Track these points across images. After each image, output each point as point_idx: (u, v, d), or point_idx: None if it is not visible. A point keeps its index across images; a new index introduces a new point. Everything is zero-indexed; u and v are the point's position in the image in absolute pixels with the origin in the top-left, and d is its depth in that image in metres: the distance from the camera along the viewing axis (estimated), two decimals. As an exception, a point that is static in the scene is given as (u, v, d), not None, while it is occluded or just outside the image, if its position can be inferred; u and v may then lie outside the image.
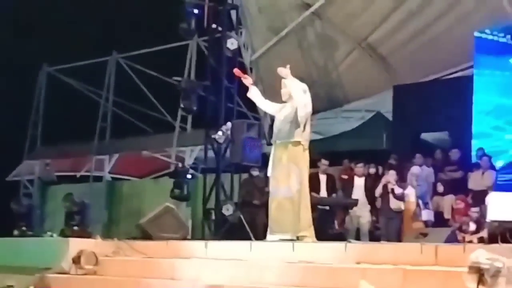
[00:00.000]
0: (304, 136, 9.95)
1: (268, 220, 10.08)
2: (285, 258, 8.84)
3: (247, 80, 10.46)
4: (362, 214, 13.82)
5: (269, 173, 10.15)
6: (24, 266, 10.56)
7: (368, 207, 13.90)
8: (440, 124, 15.90)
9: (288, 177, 9.83)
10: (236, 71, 10.81)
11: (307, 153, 10.00)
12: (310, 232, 9.90)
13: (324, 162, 14.07)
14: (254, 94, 10.49)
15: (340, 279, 7.97)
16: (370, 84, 17.96)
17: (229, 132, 14.00)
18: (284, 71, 10.03)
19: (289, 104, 10.07)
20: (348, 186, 14.26)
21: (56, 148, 21.84)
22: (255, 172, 14.74)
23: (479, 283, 6.73)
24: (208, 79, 15.27)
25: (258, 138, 14.06)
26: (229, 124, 14.13)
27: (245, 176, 15.15)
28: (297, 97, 9.92)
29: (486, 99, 15.48)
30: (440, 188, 14.06)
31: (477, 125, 15.34)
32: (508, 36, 15.43)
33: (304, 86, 10.09)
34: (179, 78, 15.60)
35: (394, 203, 13.58)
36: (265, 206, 12.79)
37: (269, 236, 9.94)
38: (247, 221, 13.43)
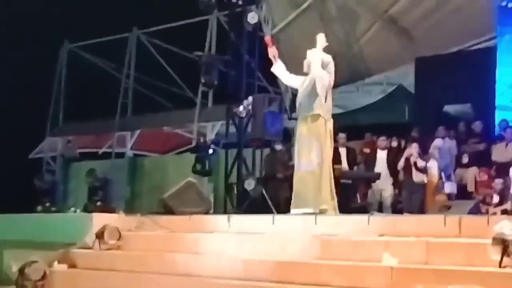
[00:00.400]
0: (324, 108, 9.91)
1: (292, 194, 10.08)
2: (308, 231, 8.84)
3: (272, 51, 10.37)
4: (384, 187, 13.76)
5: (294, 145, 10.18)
6: (48, 242, 10.64)
7: (391, 180, 13.83)
8: (462, 96, 15.76)
9: (310, 150, 9.82)
10: (267, 39, 10.67)
11: (329, 125, 9.95)
12: (332, 205, 9.88)
13: (341, 135, 13.98)
14: (278, 68, 10.45)
15: (363, 252, 7.98)
16: (391, 57, 17.80)
17: (250, 107, 13.94)
18: (318, 38, 10.00)
19: (309, 76, 10.04)
20: (371, 159, 14.21)
21: (78, 125, 21.94)
22: (278, 146, 14.73)
23: (504, 254, 6.72)
24: (229, 53, 15.21)
25: (279, 112, 13.98)
26: (250, 98, 14.07)
27: (266, 151, 15.14)
28: (314, 69, 9.94)
29: (509, 71, 15.33)
30: (465, 159, 13.93)
31: (500, 98, 15.21)
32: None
33: (326, 57, 10.04)
34: (200, 53, 15.53)
35: (416, 176, 13.50)
36: (288, 180, 12.80)
37: (292, 210, 9.95)
38: (271, 196, 13.43)
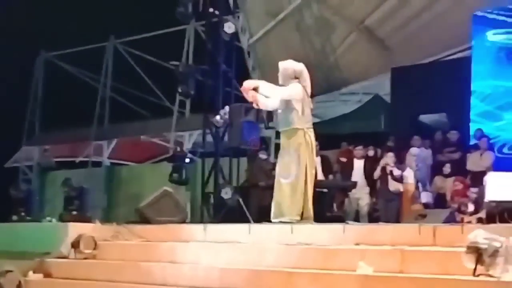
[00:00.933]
0: (302, 120, 9.94)
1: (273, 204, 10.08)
2: (284, 241, 8.86)
3: (251, 96, 10.26)
4: (361, 196, 13.83)
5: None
6: (23, 251, 10.58)
7: (367, 189, 13.91)
8: (438, 106, 15.86)
9: (289, 163, 9.87)
10: (243, 88, 10.49)
11: (308, 136, 9.96)
12: (308, 215, 9.89)
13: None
14: (263, 103, 10.30)
15: (338, 261, 7.99)
16: (368, 67, 17.93)
17: (227, 116, 13.97)
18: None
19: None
20: (347, 168, 14.28)
21: (54, 134, 21.87)
22: (263, 156, 14.79)
23: (478, 263, 6.75)
24: (206, 63, 15.22)
25: (256, 121, 14.01)
26: (227, 108, 14.09)
27: (243, 160, 15.17)
28: (274, 105, 10.02)
29: (483, 83, 15.49)
30: (447, 169, 14.01)
31: (474, 108, 15.36)
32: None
33: (298, 66, 10.03)
34: (176, 63, 15.55)
35: (392, 185, 13.58)
36: (270, 188, 12.85)
37: (272, 220, 9.95)
38: (253, 204, 13.48)
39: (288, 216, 9.68)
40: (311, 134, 9.97)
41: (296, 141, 9.88)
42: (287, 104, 9.87)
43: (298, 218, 9.71)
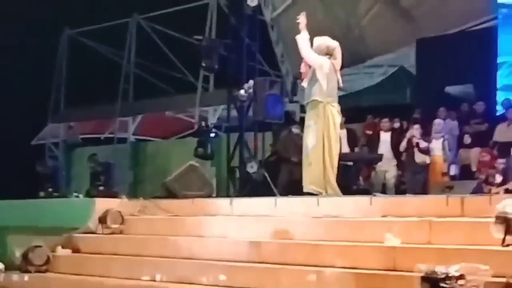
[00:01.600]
0: (323, 93, 9.96)
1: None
2: (310, 213, 8.85)
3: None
4: (388, 169, 13.78)
5: None
6: (51, 227, 10.66)
7: (394, 161, 13.83)
8: (464, 77, 15.71)
9: (307, 135, 10.04)
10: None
11: (330, 110, 9.99)
12: (324, 186, 9.89)
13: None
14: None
15: (365, 233, 7.98)
16: (392, 39, 17.73)
17: (251, 90, 13.91)
18: (300, 21, 10.08)
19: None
20: (374, 141, 14.22)
21: (79, 111, 21.92)
22: (296, 130, 14.74)
23: (506, 233, 6.71)
24: (229, 37, 15.15)
25: (280, 95, 13.97)
26: (251, 82, 14.03)
27: (268, 134, 15.14)
28: (301, 52, 10.08)
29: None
30: (468, 140, 13.93)
31: (502, 78, 15.19)
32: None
33: (332, 43, 10.17)
34: (200, 37, 15.47)
35: (419, 157, 13.51)
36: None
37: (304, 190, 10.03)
38: (283, 178, 13.49)
39: (312, 186, 9.72)
40: (332, 108, 10.02)
41: (315, 114, 9.98)
42: (312, 76, 9.93)
43: (314, 187, 9.72)
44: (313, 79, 10.06)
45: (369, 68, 18.48)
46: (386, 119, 14.29)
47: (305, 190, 9.88)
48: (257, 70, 15.00)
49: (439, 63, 15.92)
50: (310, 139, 9.97)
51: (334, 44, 10.20)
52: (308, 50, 10.08)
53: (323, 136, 9.91)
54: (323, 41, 10.21)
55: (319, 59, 10.07)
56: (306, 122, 10.16)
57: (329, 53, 10.14)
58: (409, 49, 17.15)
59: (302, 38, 10.18)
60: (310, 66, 10.22)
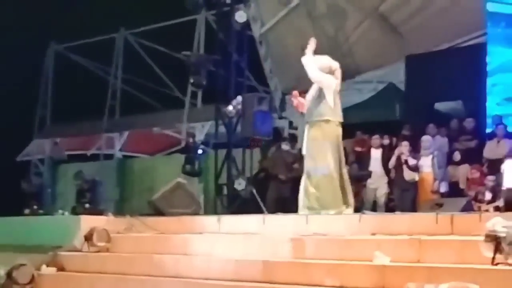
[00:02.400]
0: (335, 112, 10.03)
1: (306, 197, 9.91)
2: (299, 231, 8.77)
3: (300, 103, 10.32)
4: (379, 186, 13.72)
5: (304, 152, 10.17)
6: (36, 245, 10.55)
7: (386, 179, 13.77)
8: (454, 93, 15.69)
9: (325, 155, 9.85)
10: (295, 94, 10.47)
11: (339, 129, 10.07)
12: (352, 206, 9.92)
13: None
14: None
15: (355, 251, 7.90)
16: (381, 55, 17.73)
17: (239, 106, 13.89)
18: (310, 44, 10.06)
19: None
20: (364, 158, 14.17)
21: (65, 127, 21.80)
22: (285, 147, 14.67)
23: (496, 251, 6.65)
24: (218, 53, 15.11)
25: (269, 111, 13.93)
26: (239, 98, 14.01)
27: (257, 151, 15.08)
28: (311, 73, 9.96)
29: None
30: (457, 157, 13.87)
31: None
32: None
33: (334, 64, 10.15)
34: (188, 53, 15.43)
35: (408, 175, 13.43)
36: (290, 181, 12.76)
37: (305, 211, 9.86)
38: (271, 195, 13.41)
39: (333, 208, 9.61)
40: (340, 130, 10.13)
41: (332, 133, 9.97)
42: (320, 94, 9.87)
43: (344, 208, 9.70)
44: (318, 99, 9.97)
45: (359, 84, 18.43)
46: (376, 136, 14.23)
47: (335, 212, 9.60)
48: (245, 86, 14.98)
49: (428, 80, 15.89)
50: (331, 159, 9.82)
51: (336, 65, 10.18)
52: (317, 70, 9.97)
53: (339, 158, 9.90)
54: (327, 61, 10.15)
55: (328, 78, 10.00)
56: (319, 141, 9.92)
57: (330, 73, 10.09)
58: (398, 65, 17.13)
59: (309, 60, 10.08)
60: (301, 95, 10.15)
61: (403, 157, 13.42)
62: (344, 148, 14.20)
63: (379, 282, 7.19)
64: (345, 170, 10.08)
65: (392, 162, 13.58)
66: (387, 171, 13.72)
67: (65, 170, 21.04)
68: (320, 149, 9.88)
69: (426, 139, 13.93)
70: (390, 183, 13.79)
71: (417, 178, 13.44)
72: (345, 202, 9.83)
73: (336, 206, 9.69)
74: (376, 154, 13.95)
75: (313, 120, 10.02)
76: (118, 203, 19.35)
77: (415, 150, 13.66)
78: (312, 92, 10.09)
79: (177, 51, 17.29)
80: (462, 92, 15.42)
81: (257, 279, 8.11)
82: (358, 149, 14.79)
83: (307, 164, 10.00)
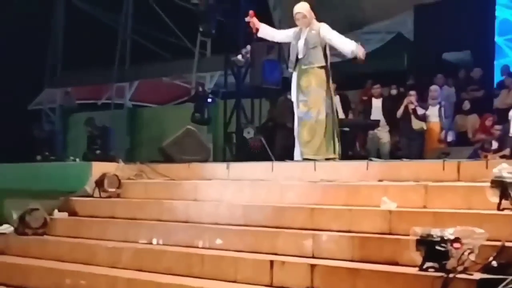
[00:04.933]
0: (327, 60, 10.02)
1: (299, 144, 10.05)
2: (307, 178, 8.86)
3: (253, 23, 10.36)
4: (381, 135, 13.79)
5: (293, 98, 10.18)
6: (48, 190, 10.65)
7: (387, 127, 13.84)
8: (462, 43, 15.68)
9: (318, 101, 9.87)
10: (250, 13, 10.54)
11: (330, 76, 10.04)
12: (338, 153, 10.00)
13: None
14: (264, 31, 10.48)
15: (361, 197, 7.98)
16: (390, 5, 17.67)
17: (248, 55, 13.90)
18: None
19: (307, 29, 10.05)
20: (367, 107, 14.22)
21: (76, 76, 21.84)
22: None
23: (502, 197, 6.73)
24: (227, 2, 15.08)
25: (278, 61, 13.93)
26: (248, 47, 14.01)
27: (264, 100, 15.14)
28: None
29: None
30: (466, 106, 13.92)
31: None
32: None
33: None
34: (197, 2, 15.40)
35: (416, 124, 13.51)
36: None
37: (299, 157, 9.99)
38: (278, 143, 13.50)
39: (322, 155, 9.70)
40: (330, 75, 10.06)
41: (324, 79, 9.98)
42: (321, 42, 9.88)
43: (334, 156, 9.80)
44: (316, 45, 9.95)
45: (367, 35, 18.39)
46: (377, 85, 14.29)
47: (323, 158, 9.74)
48: (254, 35, 14.93)
49: (436, 30, 15.87)
50: (323, 106, 9.88)
51: None
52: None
53: (332, 103, 9.96)
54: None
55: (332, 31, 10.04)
56: (313, 87, 9.92)
57: None
58: (406, 15, 17.09)
59: (264, 30, 10.38)
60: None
61: (411, 106, 13.48)
62: (347, 97, 14.37)
63: (386, 227, 7.29)
64: (335, 117, 10.12)
65: (400, 112, 13.64)
66: (388, 120, 13.77)
67: (76, 119, 21.15)
68: (314, 95, 9.94)
69: (434, 88, 13.98)
70: (397, 132, 13.88)
71: (425, 128, 13.52)
72: (334, 151, 9.93)
73: (326, 153, 9.81)
74: (377, 103, 14.02)
75: (309, 66, 10.02)
76: (129, 151, 19.48)
77: (423, 100, 13.72)
78: (307, 37, 9.99)
79: (187, 0, 17.28)
80: (470, 42, 15.41)
81: (265, 224, 8.23)
82: (364, 98, 14.86)
83: (299, 110, 10.07)
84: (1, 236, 10.15)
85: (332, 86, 10.17)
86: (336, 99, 13.63)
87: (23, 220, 9.95)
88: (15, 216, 10.12)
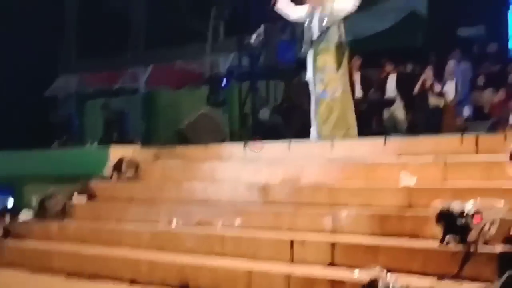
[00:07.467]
0: (342, 38, 9.98)
1: (316, 123, 10.04)
2: (324, 156, 8.86)
3: None
4: (397, 112, 13.75)
5: (309, 78, 10.16)
6: (67, 175, 10.71)
7: (401, 104, 13.79)
8: (476, 19, 15.58)
9: (334, 80, 9.87)
10: None
11: (346, 54, 10.02)
12: (355, 131, 9.98)
13: (356, 62, 13.92)
14: (282, 3, 10.40)
15: (380, 173, 7.98)
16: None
17: (262, 36, 13.84)
18: None
19: (319, 9, 10.01)
20: (383, 84, 14.19)
21: (91, 62, 21.86)
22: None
23: (522, 169, 6.71)
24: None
25: (292, 40, 13.88)
26: (262, 27, 13.95)
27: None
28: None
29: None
30: (481, 81, 13.86)
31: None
32: None
33: None
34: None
35: (432, 100, 13.46)
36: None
37: (317, 135, 10.00)
38: (295, 124, 13.48)
39: (340, 132, 9.70)
40: (346, 53, 10.05)
41: (339, 58, 9.93)
42: (334, 21, 9.86)
43: (353, 131, 9.82)
44: (332, 23, 9.92)
45: (381, 12, 18.29)
46: (390, 62, 14.25)
47: (339, 135, 9.76)
48: (267, 15, 14.88)
49: (450, 6, 15.77)
50: (339, 83, 9.88)
51: None
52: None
53: (348, 80, 10.02)
54: None
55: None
56: (330, 66, 9.90)
57: None
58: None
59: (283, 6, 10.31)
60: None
61: (428, 83, 13.43)
62: (367, 76, 14.32)
63: (405, 203, 7.29)
64: (350, 95, 10.14)
65: (417, 88, 13.60)
66: (403, 97, 13.72)
67: (91, 105, 21.19)
68: (330, 73, 9.92)
69: (451, 64, 13.92)
70: (413, 108, 13.83)
71: (442, 104, 13.46)
72: (352, 127, 9.96)
73: (343, 130, 9.83)
74: (391, 80, 13.97)
75: (326, 44, 9.98)
76: (145, 136, 19.50)
77: (439, 76, 13.66)
78: (320, 16, 9.97)
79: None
80: (485, 17, 15.32)
81: (284, 203, 8.25)
82: (382, 75, 14.80)
83: (315, 88, 10.06)
84: (23, 221, 10.22)
85: (347, 64, 10.13)
86: (357, 76, 13.69)
87: (43, 205, 10.03)
88: (35, 201, 10.18)
